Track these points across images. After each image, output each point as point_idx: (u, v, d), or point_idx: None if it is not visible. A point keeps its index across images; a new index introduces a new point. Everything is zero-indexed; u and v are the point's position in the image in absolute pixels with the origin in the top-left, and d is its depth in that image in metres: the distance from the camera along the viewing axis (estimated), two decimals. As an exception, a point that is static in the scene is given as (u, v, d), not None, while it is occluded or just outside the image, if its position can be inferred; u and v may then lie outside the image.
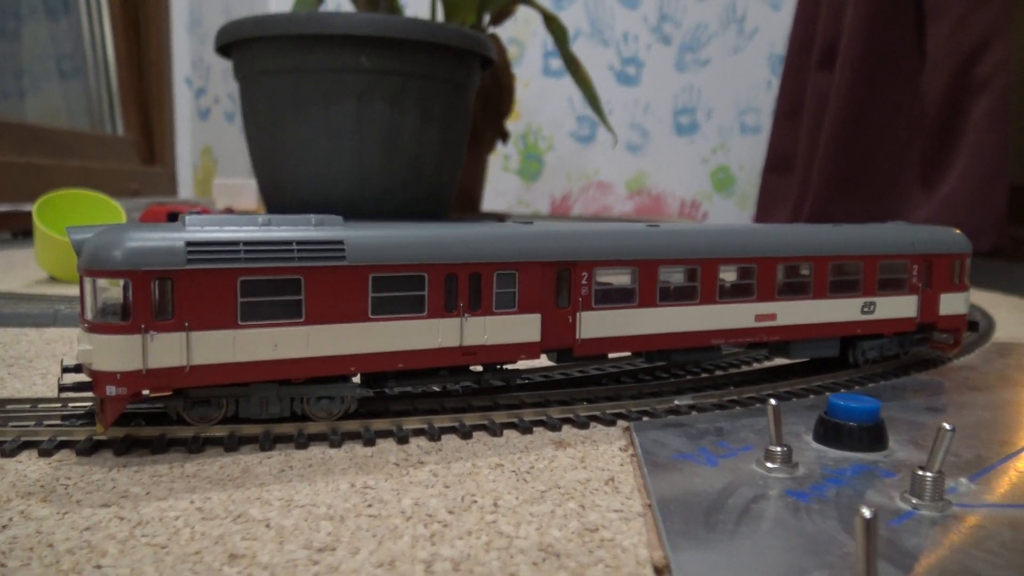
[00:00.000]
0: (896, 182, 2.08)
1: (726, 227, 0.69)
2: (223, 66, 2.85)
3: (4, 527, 0.39)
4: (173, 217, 1.50)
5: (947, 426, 0.43)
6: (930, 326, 0.76)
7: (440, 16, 1.93)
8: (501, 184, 3.31)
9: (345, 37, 1.32)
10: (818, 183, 2.17)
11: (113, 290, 0.47)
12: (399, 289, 0.54)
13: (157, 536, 0.39)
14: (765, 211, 2.62)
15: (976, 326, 0.83)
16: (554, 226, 0.62)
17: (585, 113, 3.24)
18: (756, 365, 0.78)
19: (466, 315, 0.56)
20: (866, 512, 0.32)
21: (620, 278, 0.62)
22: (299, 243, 0.51)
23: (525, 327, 0.58)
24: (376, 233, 0.54)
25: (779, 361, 0.77)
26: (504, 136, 2.20)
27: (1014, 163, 1.91)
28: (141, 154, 2.71)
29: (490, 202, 3.05)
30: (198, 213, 0.52)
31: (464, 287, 0.56)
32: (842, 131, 2.11)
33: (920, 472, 0.44)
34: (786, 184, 2.52)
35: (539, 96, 3.28)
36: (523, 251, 0.57)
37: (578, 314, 0.60)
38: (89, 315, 0.48)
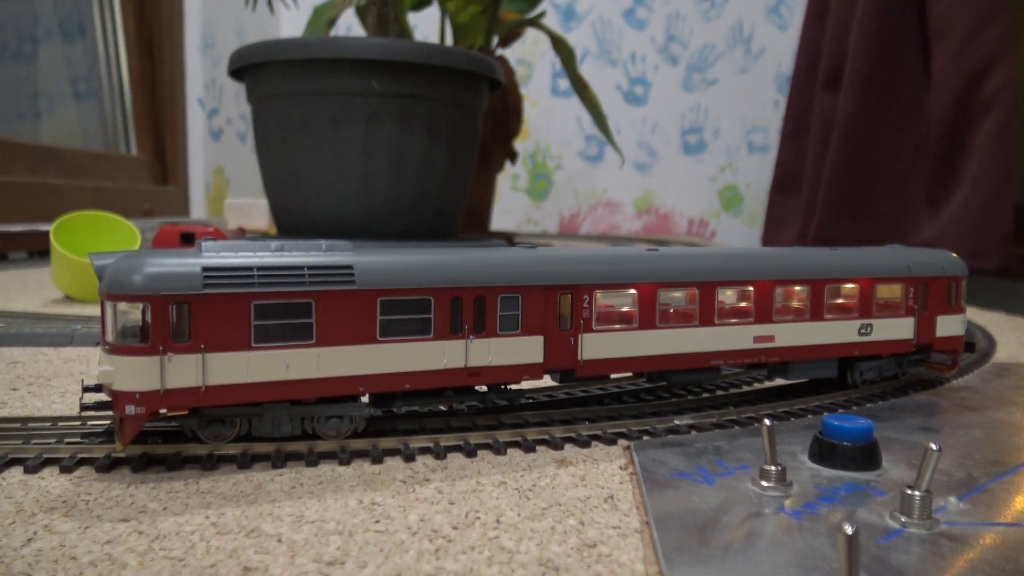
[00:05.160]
0: (902, 202, 2.10)
1: (724, 250, 0.71)
2: (235, 87, 2.90)
3: (29, 540, 0.41)
4: (186, 237, 1.53)
5: (934, 446, 0.45)
6: (927, 347, 0.77)
7: (449, 39, 1.97)
8: (510, 203, 3.34)
9: (355, 61, 1.34)
10: (825, 202, 2.19)
11: (133, 313, 0.50)
12: (406, 312, 0.56)
13: (174, 550, 0.41)
14: (773, 230, 2.64)
15: (973, 347, 0.84)
16: (556, 251, 0.64)
17: (593, 132, 3.27)
18: (756, 385, 0.79)
19: (471, 337, 0.58)
20: (848, 529, 0.34)
21: (620, 301, 0.64)
22: (310, 268, 0.53)
23: (528, 349, 0.60)
24: (384, 258, 0.56)
25: (779, 381, 0.79)
26: (512, 156, 2.22)
27: (1020, 182, 1.92)
28: (154, 174, 2.75)
29: (499, 221, 3.08)
30: (210, 237, 0.54)
31: (469, 310, 0.58)
32: (848, 151, 2.13)
33: (908, 491, 0.45)
34: (793, 203, 2.54)
35: (548, 116, 3.31)
36: (526, 275, 0.59)
37: (580, 336, 0.62)
38: (110, 337, 0.50)
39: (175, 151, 2.78)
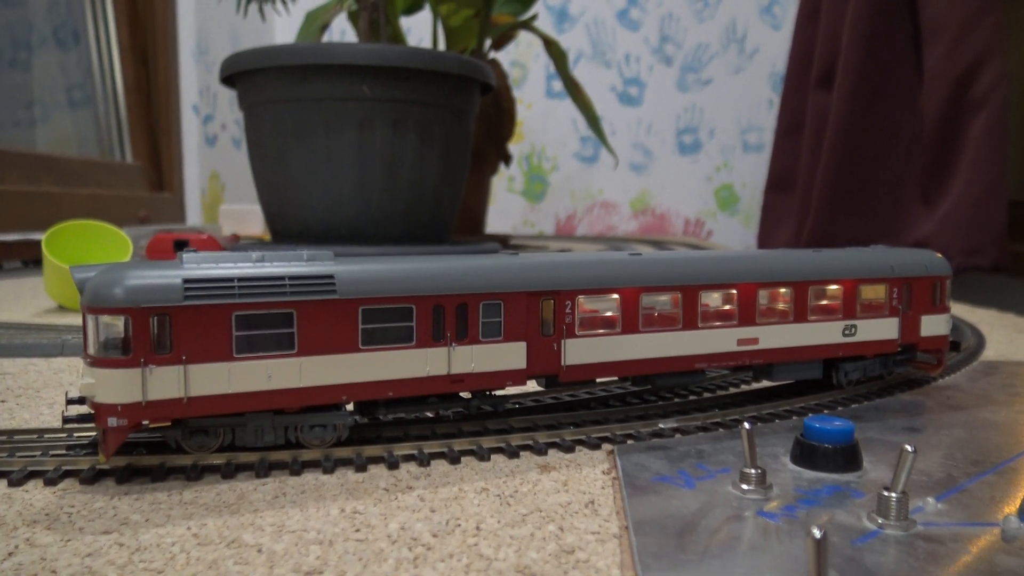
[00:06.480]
0: (897, 199, 2.10)
1: (707, 254, 0.71)
2: (230, 93, 2.90)
3: (10, 554, 0.42)
4: (179, 245, 1.53)
5: (908, 447, 0.45)
6: (912, 347, 0.78)
7: (442, 43, 1.97)
8: (506, 205, 3.34)
9: (347, 67, 1.35)
10: (819, 201, 2.19)
11: (115, 326, 0.50)
12: (388, 320, 0.56)
13: (154, 562, 0.41)
14: (768, 229, 2.64)
15: (958, 346, 0.85)
16: (538, 256, 0.64)
17: (588, 134, 3.27)
18: (743, 387, 0.79)
19: (453, 344, 0.58)
20: (816, 532, 0.34)
21: (603, 305, 0.64)
22: (291, 278, 0.53)
23: (511, 355, 0.60)
24: (365, 267, 0.56)
25: (765, 383, 0.79)
26: (507, 159, 2.22)
27: (1013, 178, 1.92)
28: (150, 181, 2.76)
29: (495, 223, 3.08)
30: (193, 249, 0.54)
31: (451, 317, 0.58)
32: (842, 149, 2.13)
33: (885, 492, 0.46)
34: (788, 202, 2.54)
35: (542, 117, 3.31)
36: (508, 282, 0.59)
37: (563, 341, 0.62)
38: (92, 350, 0.50)
39: (170, 158, 2.78)
